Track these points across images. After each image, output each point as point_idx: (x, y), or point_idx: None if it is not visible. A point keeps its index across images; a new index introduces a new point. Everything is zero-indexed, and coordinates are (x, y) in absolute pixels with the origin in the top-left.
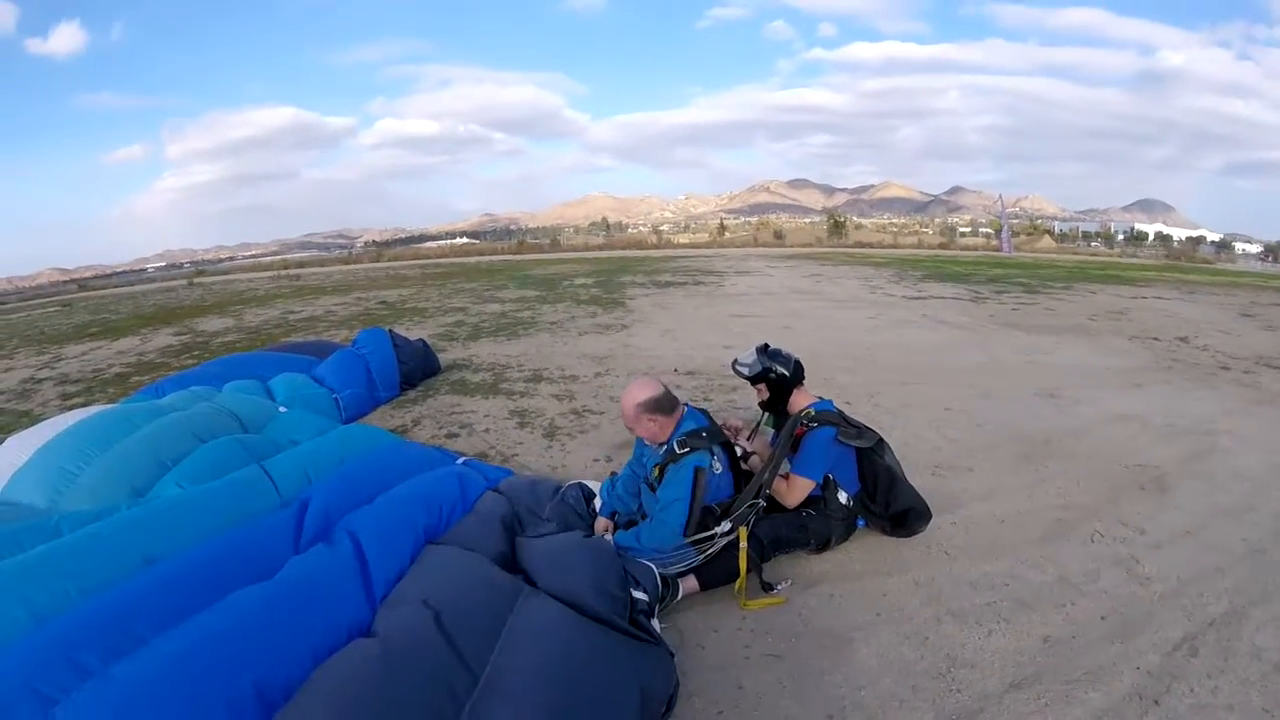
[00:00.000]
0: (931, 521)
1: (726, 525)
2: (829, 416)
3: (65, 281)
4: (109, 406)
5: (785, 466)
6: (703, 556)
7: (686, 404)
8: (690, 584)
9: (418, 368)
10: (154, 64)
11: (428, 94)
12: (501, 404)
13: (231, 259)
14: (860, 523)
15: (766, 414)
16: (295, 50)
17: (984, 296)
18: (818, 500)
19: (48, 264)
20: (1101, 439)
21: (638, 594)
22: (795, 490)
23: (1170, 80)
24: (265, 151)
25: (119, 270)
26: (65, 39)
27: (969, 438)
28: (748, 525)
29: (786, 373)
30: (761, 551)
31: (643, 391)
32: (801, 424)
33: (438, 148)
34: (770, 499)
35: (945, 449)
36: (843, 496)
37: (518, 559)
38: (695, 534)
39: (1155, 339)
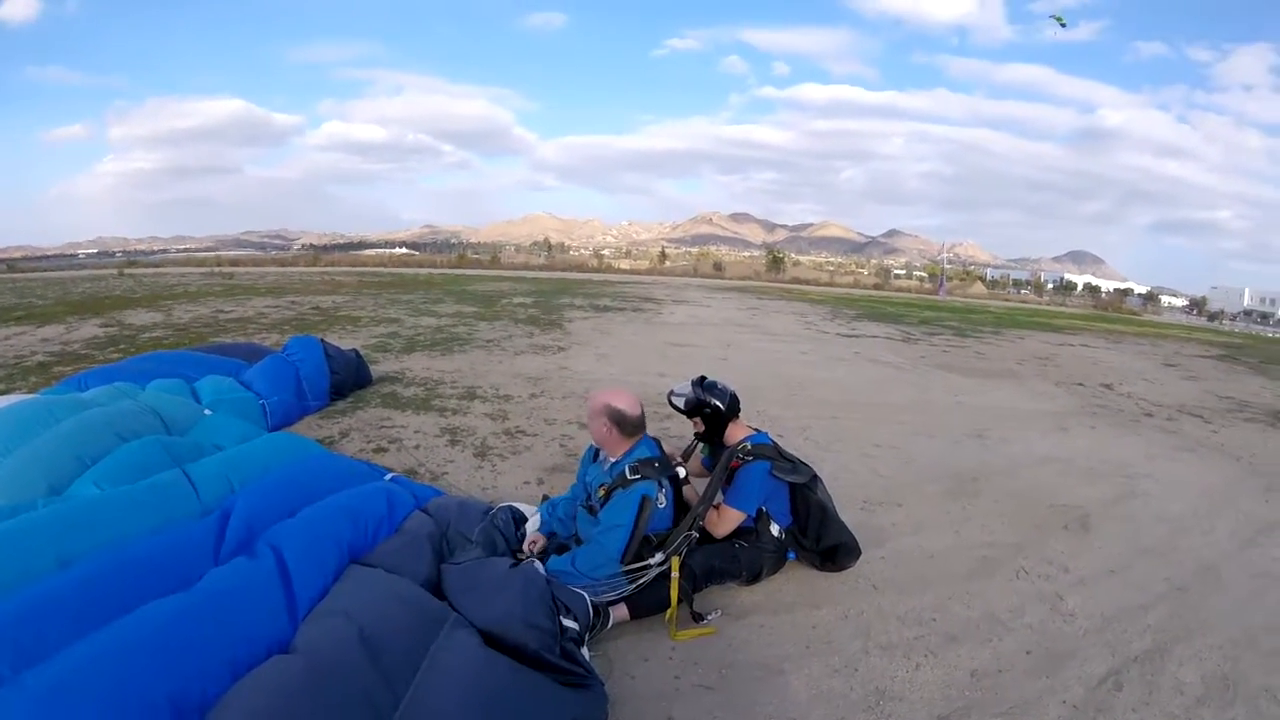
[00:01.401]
0: (861, 556)
1: (660, 556)
2: (764, 450)
3: None
4: (29, 396)
5: (719, 497)
6: (635, 586)
7: (647, 436)
8: (621, 612)
9: (349, 378)
10: (106, 41)
11: (379, 99)
12: (433, 420)
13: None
14: (791, 555)
15: (705, 446)
16: (249, 42)
17: (915, 338)
18: (750, 532)
19: None
20: (1028, 479)
21: (568, 622)
22: (726, 521)
23: (1108, 138)
24: (209, 143)
25: (49, 254)
26: (19, 5)
27: (899, 474)
28: (680, 555)
29: (722, 406)
30: (694, 582)
31: (621, 400)
32: (737, 457)
33: (384, 154)
34: (703, 529)
35: (875, 484)
36: (775, 529)
37: (442, 586)
38: (631, 563)
39: (1081, 385)
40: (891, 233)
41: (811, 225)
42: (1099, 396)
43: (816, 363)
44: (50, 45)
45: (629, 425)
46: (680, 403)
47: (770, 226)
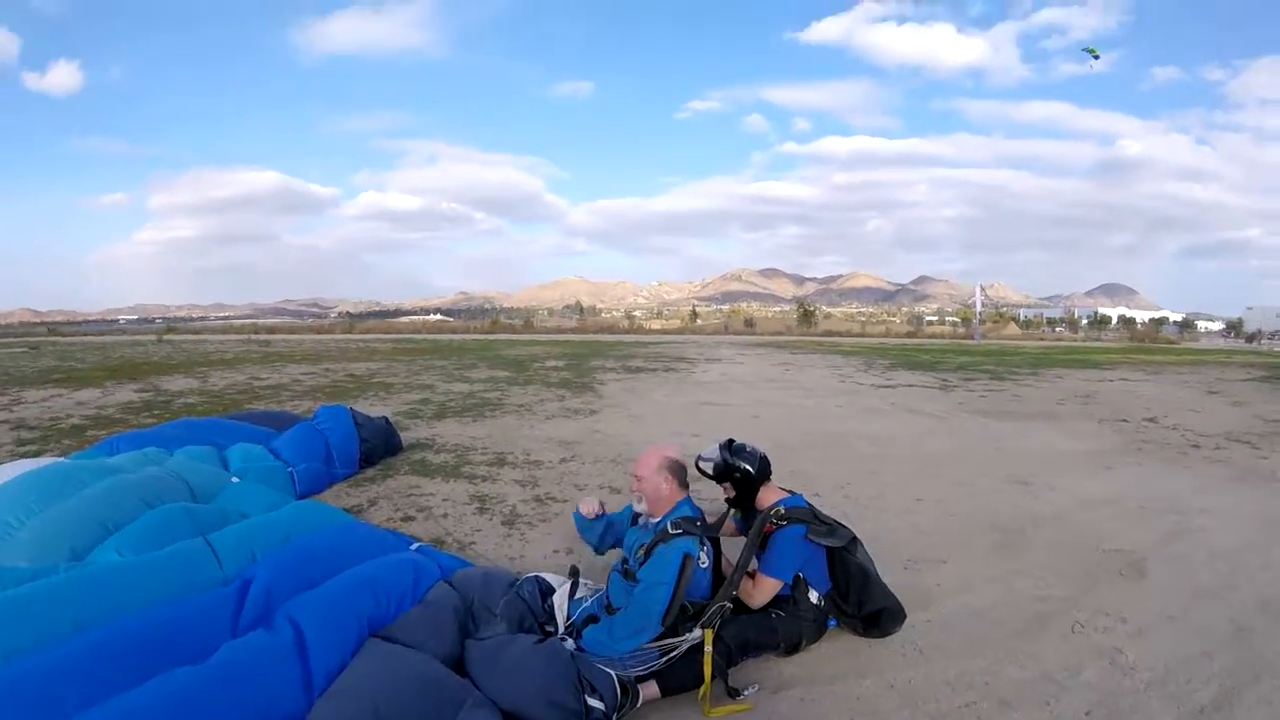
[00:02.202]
0: (906, 620)
1: (696, 630)
2: (799, 513)
3: (36, 324)
4: (58, 460)
5: (753, 564)
6: (665, 659)
7: (688, 497)
8: (651, 690)
9: (379, 445)
10: (148, 113)
11: (414, 169)
12: (462, 488)
13: (204, 318)
14: (832, 623)
15: (737, 510)
16: (288, 115)
17: (952, 384)
18: (787, 600)
19: (21, 303)
20: (1076, 525)
21: (593, 702)
22: (762, 591)
23: (1130, 168)
24: (248, 213)
25: (90, 318)
26: (63, 76)
27: (942, 528)
28: (714, 628)
29: (751, 469)
30: (728, 656)
31: (674, 451)
32: (770, 521)
33: (419, 223)
34: (737, 600)
35: (918, 542)
36: (813, 596)
37: (464, 662)
38: (668, 631)
39: (1124, 420)
40: (921, 279)
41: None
42: (1143, 431)
43: (852, 416)
44: (92, 115)
45: (683, 477)
46: (709, 468)
47: (799, 280)
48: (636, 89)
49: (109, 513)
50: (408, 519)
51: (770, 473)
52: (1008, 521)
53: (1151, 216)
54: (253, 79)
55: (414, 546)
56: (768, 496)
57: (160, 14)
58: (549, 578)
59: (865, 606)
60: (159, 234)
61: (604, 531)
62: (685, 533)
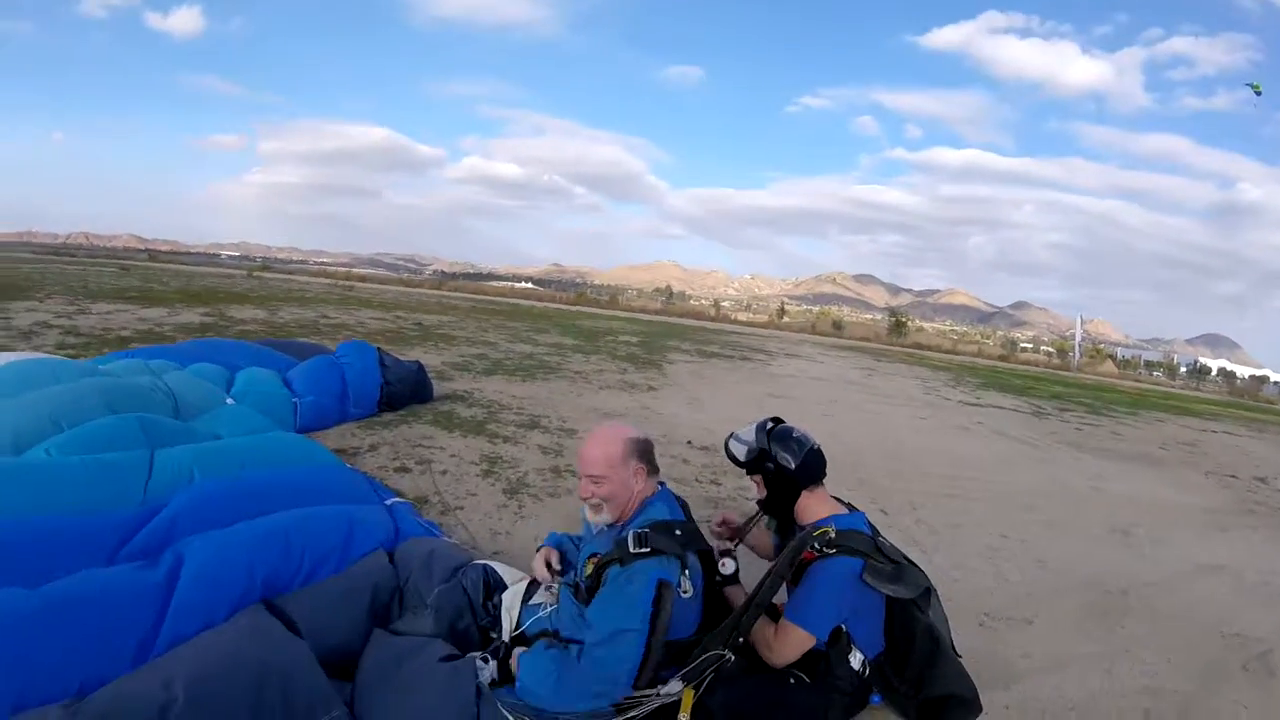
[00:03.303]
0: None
1: (676, 685)
2: (854, 540)
3: (139, 250)
4: (47, 356)
5: (778, 597)
6: (622, 719)
7: (663, 487)
8: None
9: (404, 391)
10: (265, 61)
11: (519, 139)
12: (477, 445)
13: (303, 262)
14: (875, 699)
15: (768, 517)
16: (399, 74)
17: (1046, 412)
18: (815, 659)
19: (127, 229)
20: (1189, 597)
21: None
22: (786, 644)
23: (1247, 214)
24: (353, 166)
25: (194, 251)
26: (185, 20)
27: (1029, 578)
28: (698, 686)
29: (791, 464)
30: None
31: (632, 429)
32: (813, 546)
33: (520, 192)
34: (749, 648)
35: (1000, 592)
36: (855, 660)
37: (359, 663)
38: (643, 686)
39: (1233, 476)
40: (1019, 304)
41: (938, 292)
42: (1255, 492)
43: (934, 430)
44: (211, 58)
45: (651, 458)
46: (739, 452)
47: (895, 290)
48: (746, 79)
49: (65, 411)
50: (402, 470)
51: (822, 475)
52: (1107, 580)
53: (1263, 269)
54: (366, 37)
55: (388, 501)
56: (813, 508)
57: None
58: (501, 570)
59: (927, 688)
60: (267, 177)
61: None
62: (654, 550)
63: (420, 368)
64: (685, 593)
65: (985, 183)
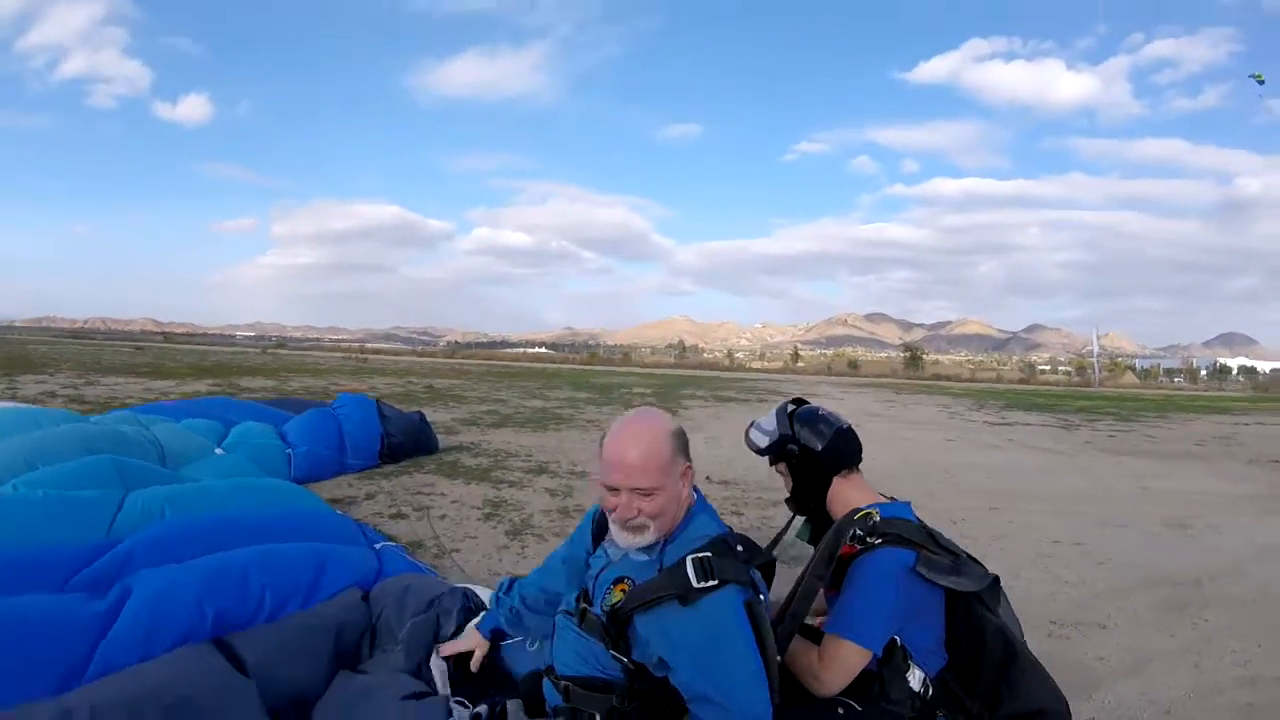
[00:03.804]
0: None
1: None
2: (902, 529)
3: (155, 332)
4: (30, 406)
5: (816, 608)
6: None
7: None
8: None
9: (408, 442)
10: (272, 146)
11: (526, 207)
12: (480, 491)
13: (319, 340)
14: None
15: (802, 519)
16: (406, 152)
17: (1075, 424)
18: (869, 680)
19: (143, 314)
20: (1263, 579)
21: None
22: (837, 665)
23: (1250, 208)
24: (366, 243)
25: (209, 332)
26: (192, 108)
27: (1091, 579)
28: None
29: (818, 445)
30: None
31: (668, 420)
32: (852, 535)
33: (529, 259)
34: (785, 673)
35: (1062, 596)
36: (915, 679)
37: (315, 708)
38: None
39: (1275, 462)
40: (1033, 327)
41: (950, 323)
42: None
43: (965, 449)
44: (219, 144)
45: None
46: (760, 439)
47: (907, 326)
48: (743, 131)
49: (41, 452)
50: (398, 516)
51: (856, 459)
52: (1176, 573)
53: (1273, 260)
54: (374, 118)
55: (378, 545)
56: (849, 497)
57: (286, 54)
58: (484, 594)
59: (1006, 703)
60: (281, 259)
61: (527, 609)
62: (723, 582)
63: (422, 418)
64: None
65: (987, 209)
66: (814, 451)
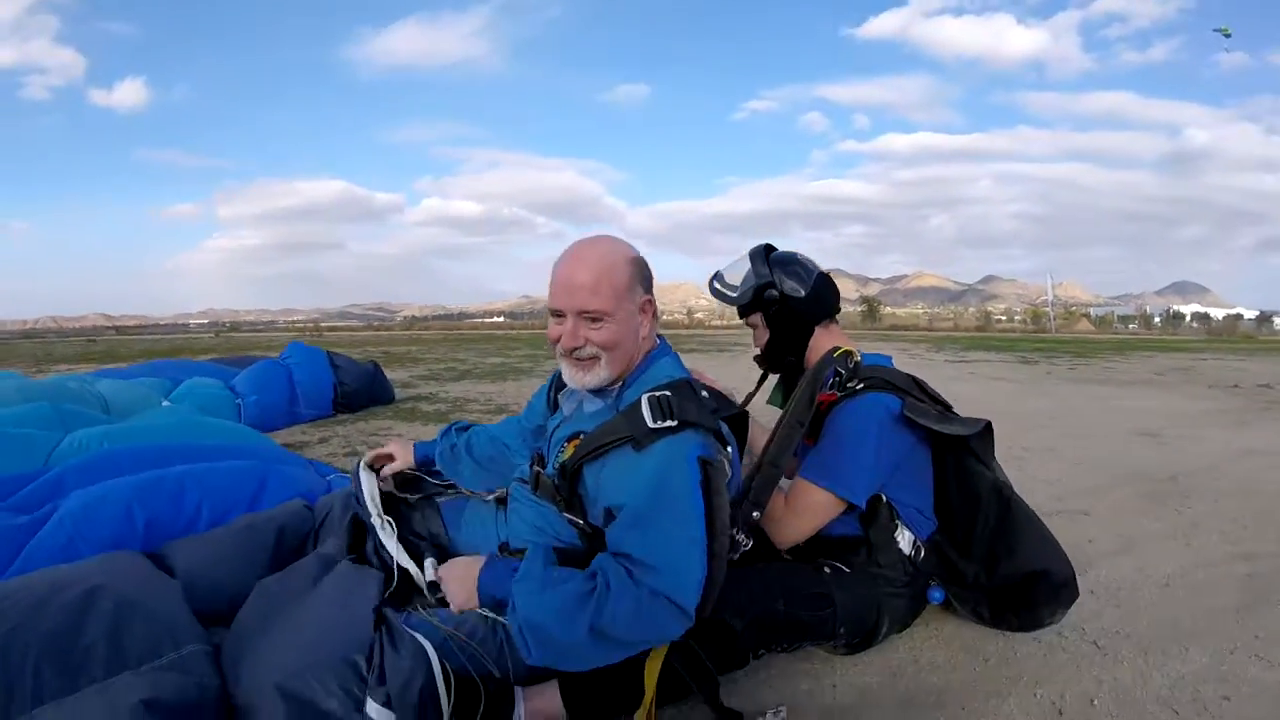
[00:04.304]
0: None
1: None
2: (887, 375)
3: (108, 327)
4: None
5: (789, 461)
6: None
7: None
8: (545, 704)
9: (362, 390)
10: (212, 127)
11: (474, 175)
12: (437, 430)
13: (273, 322)
14: (935, 596)
15: (773, 378)
16: (349, 125)
17: (1034, 360)
18: (853, 544)
19: (94, 308)
20: (1240, 474)
21: (372, 710)
22: (803, 512)
23: (1199, 159)
24: (313, 221)
25: (162, 323)
26: (129, 93)
27: (1068, 478)
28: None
29: (800, 291)
30: (726, 644)
31: (629, 246)
32: (833, 380)
33: (481, 228)
34: (758, 530)
35: (1039, 490)
36: (904, 540)
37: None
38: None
39: (1236, 386)
40: (988, 279)
41: (905, 277)
42: (1263, 395)
43: (929, 380)
44: (158, 129)
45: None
46: (728, 290)
47: (863, 281)
48: (692, 91)
49: None
50: (352, 454)
51: (836, 307)
52: (1151, 471)
53: (1223, 210)
54: (314, 92)
55: (329, 477)
56: (828, 347)
57: (221, 33)
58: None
59: (1005, 563)
60: (228, 242)
61: (469, 454)
62: (684, 423)
63: (377, 367)
64: (726, 470)
65: (939, 163)
66: (796, 297)
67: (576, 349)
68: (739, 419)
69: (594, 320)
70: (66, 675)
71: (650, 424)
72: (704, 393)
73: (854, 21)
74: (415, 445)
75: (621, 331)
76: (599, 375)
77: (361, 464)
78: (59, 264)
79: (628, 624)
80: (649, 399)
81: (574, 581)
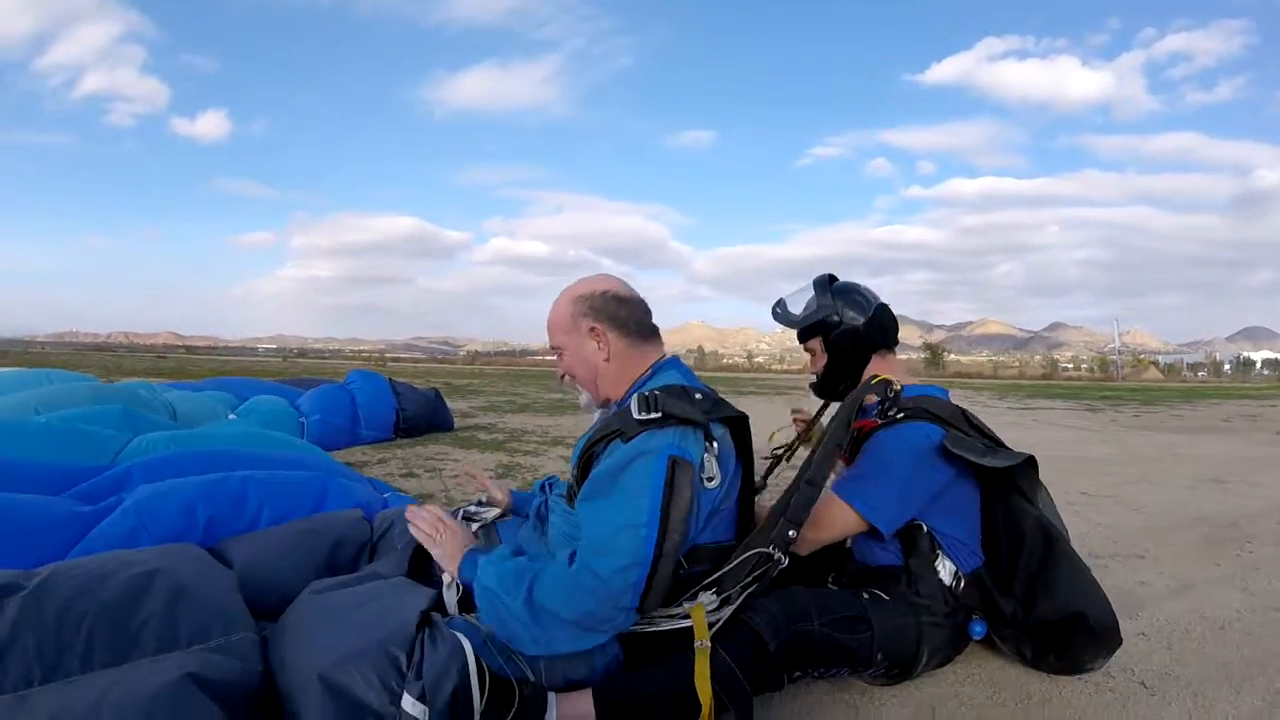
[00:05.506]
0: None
1: (707, 597)
2: (932, 405)
3: (178, 346)
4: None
5: (831, 471)
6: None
7: (674, 357)
8: (577, 710)
9: (422, 417)
10: (289, 160)
11: (542, 217)
12: (495, 458)
13: (339, 351)
14: (977, 630)
15: (833, 407)
16: (423, 164)
17: (1099, 408)
18: (893, 574)
19: (165, 327)
20: None
21: (408, 705)
22: (823, 521)
23: (1268, 199)
24: (384, 255)
25: (231, 345)
26: (210, 124)
27: (1126, 523)
28: (734, 599)
29: (860, 319)
30: (758, 660)
31: (592, 284)
32: (877, 410)
33: (546, 269)
34: (804, 556)
35: (1096, 534)
36: (945, 571)
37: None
38: (658, 606)
39: None
40: (1055, 326)
41: (970, 324)
42: None
43: (991, 426)
44: (238, 160)
45: (634, 318)
46: (792, 313)
47: (927, 327)
48: (756, 137)
49: (51, 403)
50: (410, 475)
51: (895, 338)
52: (1213, 515)
53: None
54: (388, 131)
55: (386, 494)
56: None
57: (302, 70)
58: (481, 510)
59: (1044, 603)
60: (300, 271)
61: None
62: (668, 416)
63: (437, 394)
64: (710, 480)
65: (1005, 208)
66: (855, 325)
67: (564, 376)
68: (739, 421)
69: (559, 353)
70: (119, 647)
71: (636, 416)
72: (699, 395)
73: (917, 68)
74: (513, 494)
75: (575, 358)
76: (583, 395)
77: (461, 513)
78: (134, 282)
79: (556, 595)
80: (638, 396)
81: (529, 559)
